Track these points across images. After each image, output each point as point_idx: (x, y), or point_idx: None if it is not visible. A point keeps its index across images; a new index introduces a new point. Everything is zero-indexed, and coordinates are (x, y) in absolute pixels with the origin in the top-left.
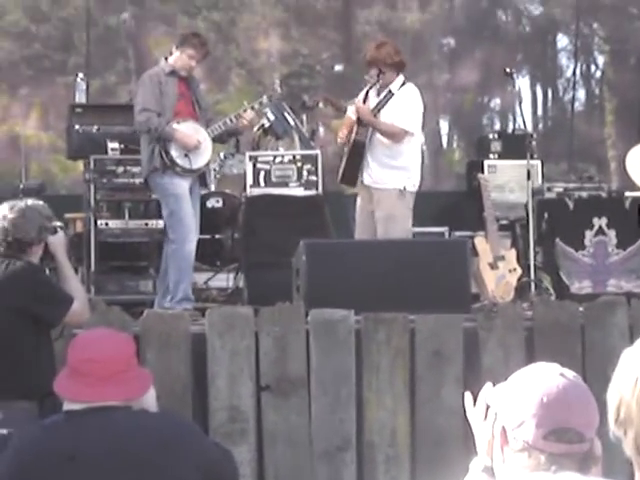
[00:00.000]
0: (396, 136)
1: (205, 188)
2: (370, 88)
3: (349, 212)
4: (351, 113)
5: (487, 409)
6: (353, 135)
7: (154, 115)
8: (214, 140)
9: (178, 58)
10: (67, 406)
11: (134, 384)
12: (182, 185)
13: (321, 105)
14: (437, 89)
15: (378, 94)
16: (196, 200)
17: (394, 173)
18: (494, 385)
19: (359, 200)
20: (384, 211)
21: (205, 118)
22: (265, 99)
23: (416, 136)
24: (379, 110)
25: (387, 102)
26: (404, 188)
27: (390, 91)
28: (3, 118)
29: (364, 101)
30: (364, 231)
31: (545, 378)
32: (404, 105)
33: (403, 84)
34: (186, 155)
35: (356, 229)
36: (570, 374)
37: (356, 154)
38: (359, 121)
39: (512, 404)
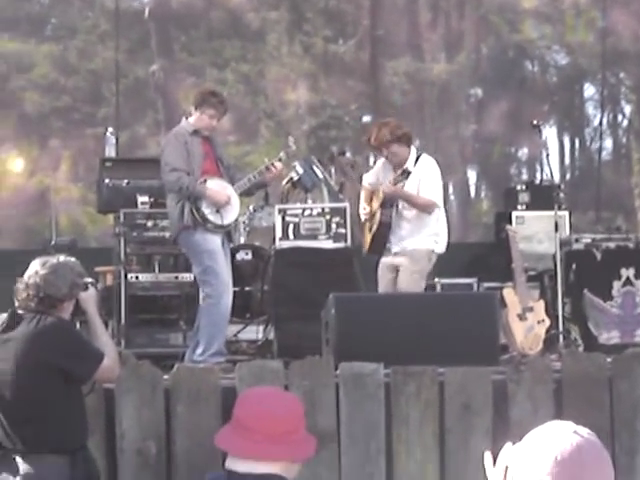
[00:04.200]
0: (429, 208)
1: (231, 243)
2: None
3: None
4: (366, 184)
5: (506, 469)
6: (378, 216)
7: (184, 174)
8: (242, 195)
9: (199, 119)
10: (230, 463)
11: (301, 446)
12: (215, 240)
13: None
14: (465, 139)
15: (395, 172)
16: (227, 256)
17: (422, 238)
18: (519, 441)
19: (381, 265)
20: (409, 269)
21: (229, 175)
22: (283, 155)
23: (440, 206)
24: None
25: (406, 181)
26: (432, 251)
27: (406, 169)
28: (33, 170)
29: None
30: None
31: (559, 436)
32: (425, 179)
33: (417, 158)
34: (217, 211)
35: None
36: (584, 432)
37: (382, 234)
38: (383, 203)
39: (527, 463)
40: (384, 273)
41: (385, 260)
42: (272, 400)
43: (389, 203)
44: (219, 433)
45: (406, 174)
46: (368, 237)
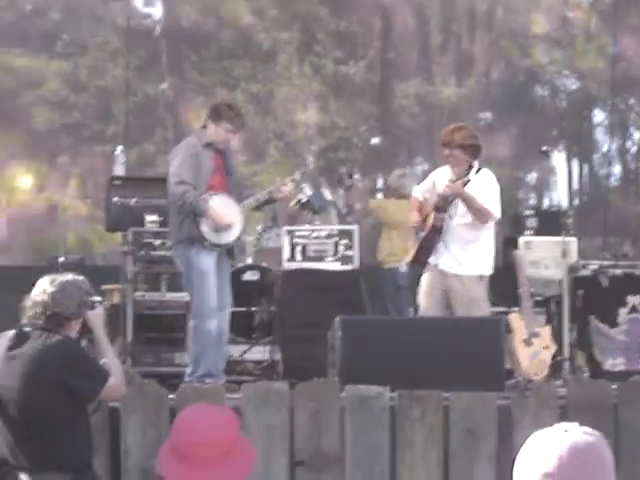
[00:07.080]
0: (486, 216)
1: (232, 261)
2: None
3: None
4: (418, 194)
5: None
6: (431, 220)
7: (191, 189)
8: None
9: (215, 132)
10: None
11: (240, 462)
12: (208, 260)
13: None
14: None
15: (456, 179)
16: (225, 273)
17: (471, 258)
18: None
19: (428, 279)
20: (465, 296)
21: (237, 190)
22: (298, 175)
23: (497, 218)
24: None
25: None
26: (481, 275)
27: (467, 178)
28: (42, 187)
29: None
30: (432, 309)
31: (563, 436)
32: (485, 190)
33: (479, 169)
34: (216, 230)
35: (422, 308)
36: (590, 432)
37: (432, 239)
38: (437, 207)
39: (529, 461)
40: (432, 290)
41: (432, 276)
42: (207, 423)
43: (443, 208)
44: (161, 457)
45: (465, 182)
46: (416, 247)
